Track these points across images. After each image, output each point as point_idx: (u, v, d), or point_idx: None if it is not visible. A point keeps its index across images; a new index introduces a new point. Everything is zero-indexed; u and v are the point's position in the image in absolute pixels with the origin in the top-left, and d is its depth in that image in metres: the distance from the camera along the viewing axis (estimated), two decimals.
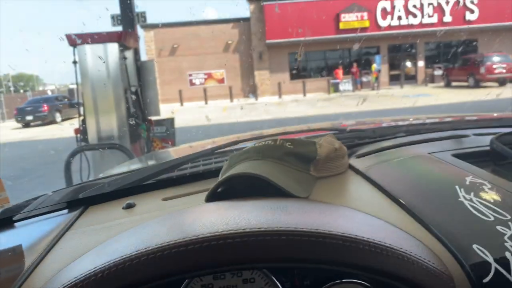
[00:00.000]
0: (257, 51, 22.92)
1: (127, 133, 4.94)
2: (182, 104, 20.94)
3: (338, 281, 0.54)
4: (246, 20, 22.95)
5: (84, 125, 4.97)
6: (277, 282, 0.55)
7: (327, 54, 23.91)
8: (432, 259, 0.54)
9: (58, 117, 17.24)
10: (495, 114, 1.63)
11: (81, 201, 0.96)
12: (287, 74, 23.57)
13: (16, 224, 0.90)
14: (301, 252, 0.50)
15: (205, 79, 23.54)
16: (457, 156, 0.89)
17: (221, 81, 23.55)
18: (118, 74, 4.87)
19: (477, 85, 18.39)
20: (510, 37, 22.85)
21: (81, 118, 5.03)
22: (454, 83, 20.72)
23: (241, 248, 0.50)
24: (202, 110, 18.08)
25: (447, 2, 22.32)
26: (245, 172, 0.76)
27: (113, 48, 4.79)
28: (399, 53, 24.14)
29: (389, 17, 22.42)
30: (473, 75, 18.35)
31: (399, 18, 22.43)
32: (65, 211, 0.94)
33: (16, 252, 0.75)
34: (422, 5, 22.33)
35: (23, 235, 0.86)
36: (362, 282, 0.54)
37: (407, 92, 19.42)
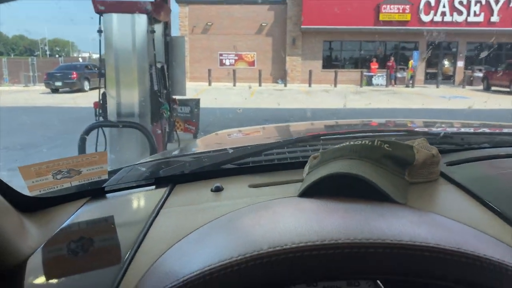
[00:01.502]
0: (291, 36, 22.31)
1: (149, 112, 4.66)
2: (210, 84, 20.65)
3: None
4: (283, 3, 22.31)
5: (104, 99, 4.71)
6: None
7: (363, 45, 23.08)
8: None
9: (86, 85, 17.22)
10: None
11: (169, 178, 0.98)
12: (319, 63, 22.92)
13: (107, 195, 0.93)
14: (403, 267, 0.48)
15: (236, 60, 23.14)
16: None
17: (251, 63, 23.11)
18: (145, 48, 4.56)
19: None
20: None
21: (102, 91, 4.78)
22: (493, 88, 19.68)
23: (337, 260, 0.49)
24: (230, 92, 17.77)
25: (497, 1, 21.11)
26: (349, 172, 0.73)
27: (141, 19, 4.48)
28: (438, 51, 23.10)
29: (432, 12, 21.40)
30: None
31: (443, 14, 21.38)
32: (153, 187, 0.96)
33: (109, 223, 0.78)
34: (469, 2, 21.19)
35: (115, 206, 0.90)
36: None
37: (443, 92, 18.57)
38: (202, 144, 1.83)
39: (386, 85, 21.20)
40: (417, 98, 15.67)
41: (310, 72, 20.93)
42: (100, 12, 4.44)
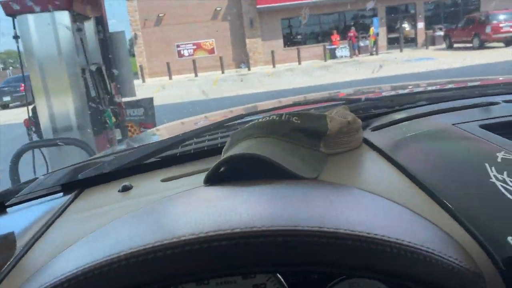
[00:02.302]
0: (248, 18, 21.62)
1: (89, 123, 4.04)
2: (170, 78, 19.84)
3: (345, 277, 0.49)
4: None
5: (35, 115, 4.06)
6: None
7: (322, 18, 22.61)
8: (460, 255, 0.46)
9: None
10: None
11: (76, 183, 0.92)
12: (281, 42, 22.36)
13: (8, 210, 0.87)
14: (300, 255, 0.43)
15: (194, 49, 22.32)
16: (486, 127, 0.79)
17: (211, 51, 22.34)
18: (72, 49, 3.91)
19: (482, 45, 17.35)
20: None
21: (32, 105, 4.12)
22: (456, 45, 19.64)
23: (230, 253, 0.43)
24: (192, 84, 17.06)
25: None
26: (242, 154, 0.68)
27: (63, 17, 3.82)
28: (397, 15, 22.87)
29: None
30: (478, 35, 17.27)
31: None
32: (60, 194, 0.90)
33: (8, 240, 0.73)
34: None
35: (15, 221, 0.84)
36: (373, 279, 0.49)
37: (408, 55, 18.39)
38: (146, 138, 1.76)
39: (350, 56, 20.88)
40: (383, 65, 15.39)
41: (272, 52, 20.37)
42: (12, 14, 3.75)
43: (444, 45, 21.26)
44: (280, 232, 0.42)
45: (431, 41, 21.51)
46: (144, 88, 17.61)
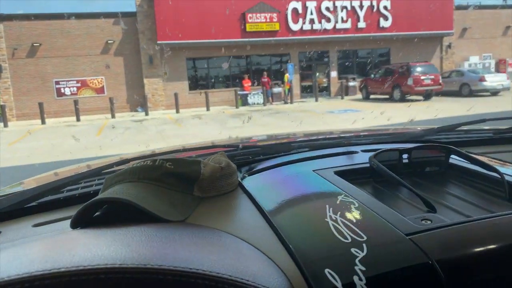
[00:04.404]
0: (147, 54, 18.44)
1: None
2: (43, 122, 15.56)
3: None
4: (132, 15, 18.38)
5: None
6: None
7: (232, 61, 20.34)
8: (279, 285, 0.52)
9: None
10: (391, 130, 1.70)
11: None
12: (185, 84, 19.45)
13: None
14: None
15: (79, 88, 18.31)
16: (339, 173, 0.90)
17: (100, 90, 18.54)
18: None
19: (403, 98, 16.29)
20: (420, 46, 21.72)
21: None
22: (373, 96, 18.59)
23: None
24: (70, 131, 13.17)
25: (361, 7, 20.35)
26: (107, 197, 0.70)
27: None
28: (310, 62, 21.57)
29: (300, 20, 19.70)
30: (399, 86, 16.20)
31: (312, 21, 19.85)
32: None
33: None
34: (335, 7, 20.03)
35: None
36: None
37: (326, 106, 16.69)
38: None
39: (264, 104, 18.68)
40: (305, 116, 13.22)
41: (176, 95, 17.35)
42: None
43: (358, 96, 20.24)
44: (96, 270, 0.44)
45: (345, 91, 20.35)
46: (4, 134, 13.27)
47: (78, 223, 0.70)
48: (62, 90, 18.07)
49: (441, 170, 0.94)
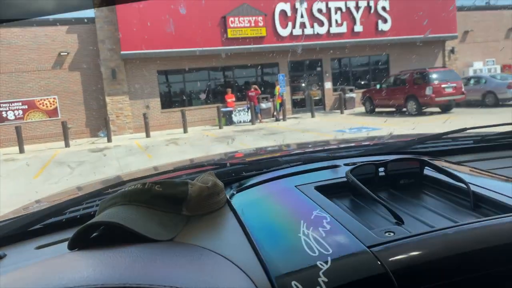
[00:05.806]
0: (109, 67, 15.30)
1: None
2: None
3: None
4: (90, 21, 15.27)
5: None
6: None
7: (212, 73, 17.40)
8: None
9: None
10: (375, 140, 1.71)
11: None
12: (157, 101, 16.34)
13: None
14: None
15: (25, 110, 14.96)
16: (319, 188, 0.92)
17: (52, 113, 15.23)
18: None
19: (420, 111, 13.64)
20: (421, 51, 19.33)
21: None
22: (378, 109, 15.94)
23: None
24: (6, 167, 9.90)
25: (357, 8, 17.84)
26: (99, 221, 0.73)
27: None
28: (302, 72, 18.86)
29: (290, 24, 17.00)
30: (414, 97, 13.56)
31: (303, 25, 17.19)
32: None
33: None
34: (329, 9, 17.45)
35: None
36: None
37: (329, 123, 13.91)
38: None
39: (252, 122, 15.74)
40: (312, 139, 10.36)
41: (145, 115, 14.24)
42: None
43: (358, 109, 17.60)
44: None
45: (341, 104, 17.63)
46: None
47: (75, 245, 0.74)
48: (4, 114, 14.68)
49: (416, 181, 0.96)
